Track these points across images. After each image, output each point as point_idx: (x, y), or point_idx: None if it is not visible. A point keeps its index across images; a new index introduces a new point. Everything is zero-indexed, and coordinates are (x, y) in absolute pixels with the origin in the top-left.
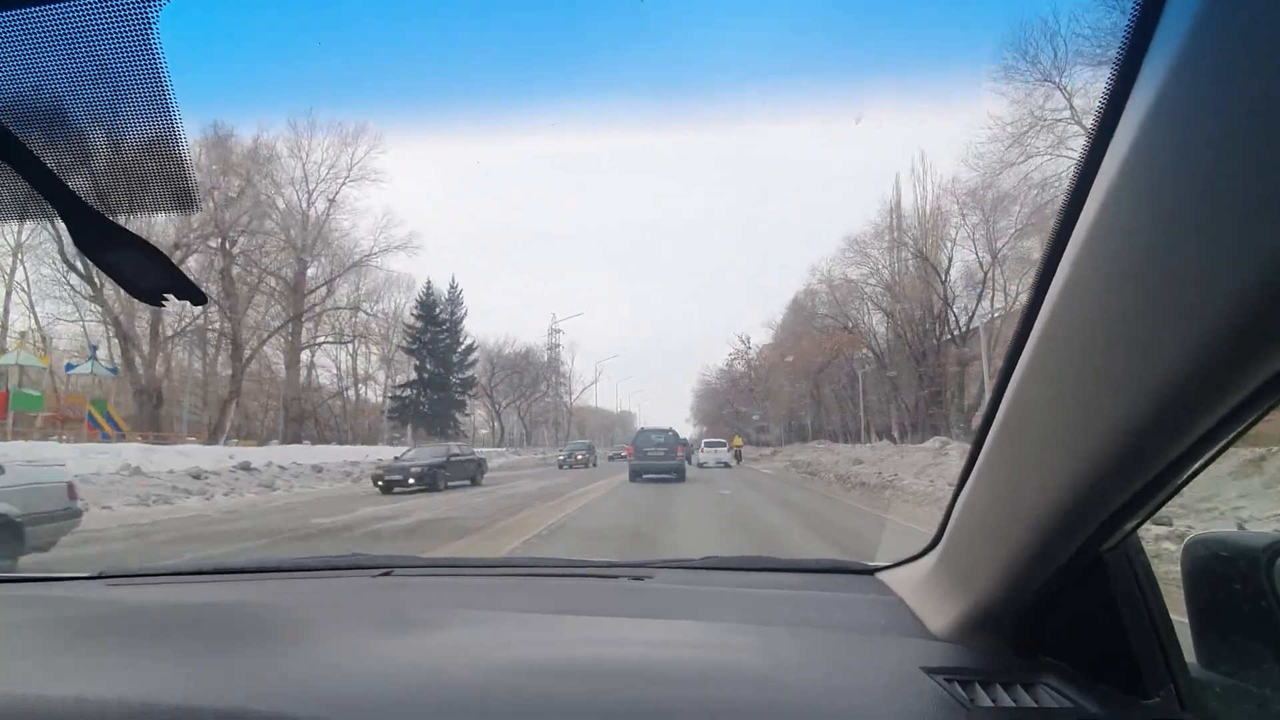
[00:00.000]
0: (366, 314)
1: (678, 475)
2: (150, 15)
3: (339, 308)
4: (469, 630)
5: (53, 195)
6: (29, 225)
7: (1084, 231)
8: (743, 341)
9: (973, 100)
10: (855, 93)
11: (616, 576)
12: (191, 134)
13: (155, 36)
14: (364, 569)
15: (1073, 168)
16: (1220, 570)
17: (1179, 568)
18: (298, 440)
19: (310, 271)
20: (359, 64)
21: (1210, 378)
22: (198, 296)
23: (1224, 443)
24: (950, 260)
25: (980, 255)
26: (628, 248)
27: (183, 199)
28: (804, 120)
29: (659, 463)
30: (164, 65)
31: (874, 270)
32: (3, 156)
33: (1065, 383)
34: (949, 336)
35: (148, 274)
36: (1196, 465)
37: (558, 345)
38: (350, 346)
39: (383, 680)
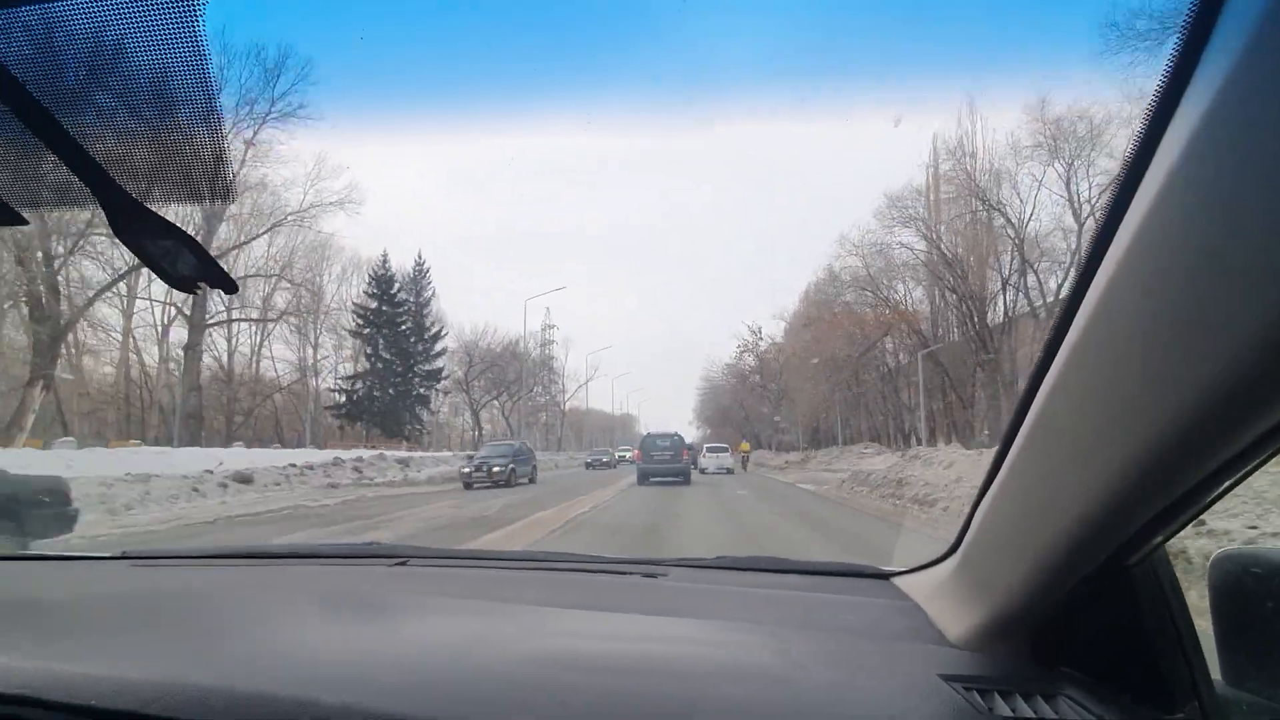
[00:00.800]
0: (297, 286)
1: (683, 479)
2: (197, 6)
3: (256, 275)
4: (484, 620)
5: (93, 183)
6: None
7: (1126, 236)
8: (752, 332)
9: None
10: (887, 72)
11: (629, 573)
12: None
13: (201, 27)
14: (381, 558)
15: (1118, 169)
16: (1251, 586)
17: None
18: (197, 442)
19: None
20: (383, 61)
21: (1250, 391)
22: (230, 286)
23: (1261, 459)
24: (1030, 214)
25: (1077, 202)
26: (628, 247)
27: (220, 189)
28: (828, 113)
29: (665, 466)
30: (209, 57)
31: (924, 232)
32: (47, 144)
33: (1098, 390)
34: (1028, 309)
35: (182, 262)
36: (1230, 480)
37: (551, 340)
38: (313, 334)
39: (400, 667)
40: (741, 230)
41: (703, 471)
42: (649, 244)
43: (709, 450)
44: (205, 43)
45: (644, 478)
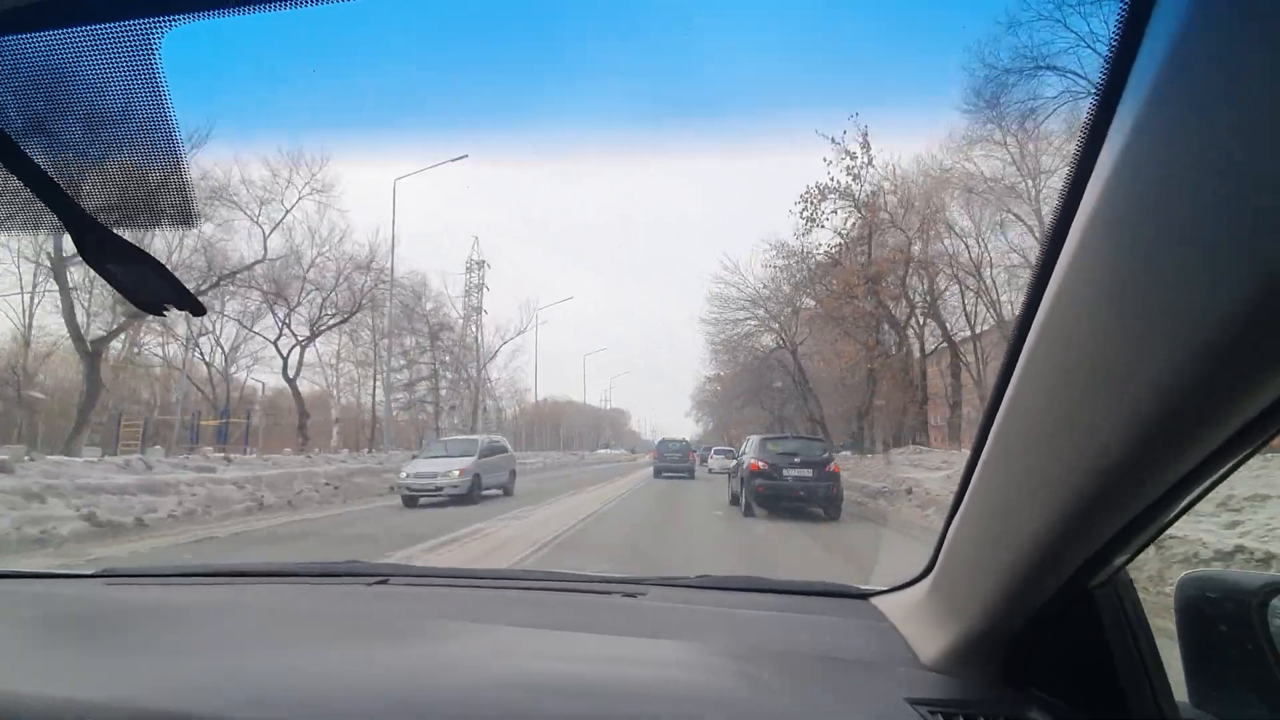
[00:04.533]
0: None
1: (689, 474)
2: (154, 40)
3: None
4: (459, 642)
5: (60, 209)
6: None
7: (1073, 247)
8: (849, 154)
9: None
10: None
11: (610, 593)
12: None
13: (158, 60)
14: (361, 576)
15: (1064, 174)
16: (1210, 610)
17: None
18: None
19: None
20: (344, 84)
21: (1194, 408)
22: (197, 308)
23: (1215, 478)
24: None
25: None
26: (618, 247)
27: (183, 215)
28: (804, 133)
29: (676, 464)
30: (166, 87)
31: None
32: (13, 171)
33: (1049, 410)
34: None
35: (149, 285)
36: (1184, 502)
37: (482, 286)
38: None
39: (372, 690)
40: (736, 234)
41: (710, 471)
42: (632, 250)
43: (716, 452)
44: (162, 71)
45: (659, 472)
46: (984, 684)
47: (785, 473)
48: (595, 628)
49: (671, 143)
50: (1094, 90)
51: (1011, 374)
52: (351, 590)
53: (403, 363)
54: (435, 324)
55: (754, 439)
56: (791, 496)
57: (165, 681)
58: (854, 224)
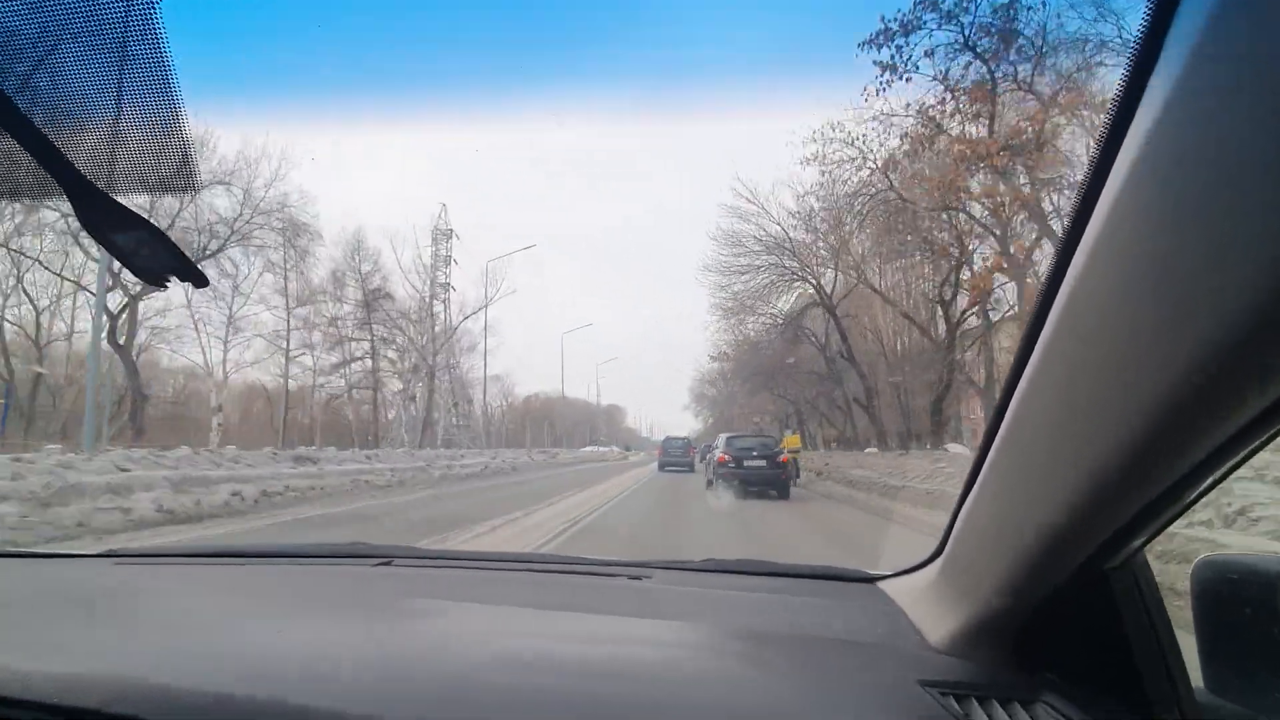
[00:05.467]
0: None
1: (690, 469)
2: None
3: None
4: (461, 621)
5: (60, 175)
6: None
7: (1095, 233)
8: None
9: None
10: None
11: (615, 575)
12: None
13: (158, 17)
14: (365, 558)
15: (1086, 167)
16: (1230, 593)
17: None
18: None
19: None
20: (350, 53)
21: (1219, 391)
22: (200, 279)
23: (1235, 461)
24: None
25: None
26: (611, 243)
27: (185, 180)
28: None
29: (678, 459)
30: (167, 46)
31: None
32: (12, 135)
33: (1069, 390)
34: None
35: (151, 254)
36: (1205, 484)
37: (449, 258)
38: None
39: (376, 669)
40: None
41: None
42: (629, 240)
43: (715, 448)
44: (162, 29)
45: (663, 466)
46: (996, 666)
47: (745, 463)
48: (599, 609)
49: (671, 145)
50: (1120, 82)
51: (1031, 352)
52: (355, 571)
53: (320, 337)
54: (373, 289)
55: (722, 437)
56: (748, 480)
57: (167, 658)
58: (966, 66)
